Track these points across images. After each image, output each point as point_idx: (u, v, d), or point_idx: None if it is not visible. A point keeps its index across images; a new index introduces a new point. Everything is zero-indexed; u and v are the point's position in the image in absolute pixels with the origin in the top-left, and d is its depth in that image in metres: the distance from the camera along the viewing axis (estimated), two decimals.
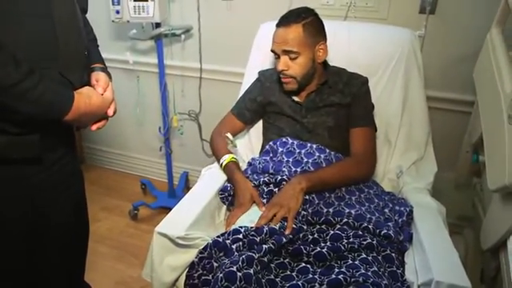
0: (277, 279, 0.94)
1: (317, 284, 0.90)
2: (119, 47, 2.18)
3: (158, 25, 1.88)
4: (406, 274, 1.00)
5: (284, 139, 1.31)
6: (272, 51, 1.32)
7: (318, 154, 1.25)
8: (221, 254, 0.97)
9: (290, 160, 1.25)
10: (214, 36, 2.00)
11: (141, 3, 1.77)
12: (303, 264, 0.99)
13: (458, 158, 1.55)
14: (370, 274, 0.91)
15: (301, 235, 1.06)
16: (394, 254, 1.02)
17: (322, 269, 0.98)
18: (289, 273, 0.97)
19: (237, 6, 1.90)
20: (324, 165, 1.24)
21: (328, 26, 1.34)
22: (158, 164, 2.46)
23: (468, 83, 1.49)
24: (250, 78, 1.52)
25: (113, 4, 1.78)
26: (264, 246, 0.95)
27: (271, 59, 1.48)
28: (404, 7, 1.65)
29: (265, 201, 1.16)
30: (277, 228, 1.03)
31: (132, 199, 2.20)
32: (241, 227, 1.03)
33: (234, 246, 0.96)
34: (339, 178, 1.20)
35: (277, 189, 1.18)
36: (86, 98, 0.87)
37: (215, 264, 0.95)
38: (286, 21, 1.27)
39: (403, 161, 1.39)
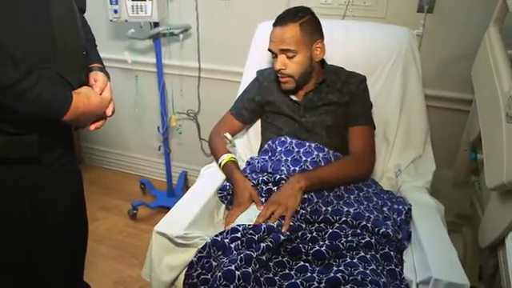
0: (275, 278, 0.94)
1: (315, 282, 0.90)
2: (117, 47, 2.18)
3: (156, 24, 1.87)
4: (405, 272, 1.00)
5: (283, 138, 1.31)
6: (269, 50, 1.32)
7: (316, 152, 1.25)
8: (219, 253, 0.97)
9: (289, 159, 1.25)
10: (213, 35, 2.00)
11: (139, 2, 1.77)
12: (302, 262, 1.00)
13: (456, 156, 1.56)
14: (368, 272, 0.91)
15: (299, 234, 1.06)
16: (392, 253, 1.02)
17: (321, 267, 0.98)
18: (287, 271, 0.97)
19: (235, 6, 1.90)
20: (323, 163, 1.24)
21: (326, 24, 1.34)
22: (157, 163, 2.46)
23: (466, 82, 1.49)
24: (248, 78, 1.52)
25: (111, 3, 1.78)
26: (262, 244, 0.95)
27: (269, 58, 1.48)
28: (402, 6, 1.65)
29: (263, 200, 1.16)
30: (274, 226, 1.03)
31: (131, 199, 2.20)
32: (238, 225, 1.03)
33: (232, 245, 0.96)
34: (338, 176, 1.20)
35: (275, 188, 1.18)
36: (84, 98, 0.87)
37: (214, 263, 0.95)
38: (282, 20, 1.27)
39: (402, 159, 1.39)
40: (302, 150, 1.27)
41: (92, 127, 0.95)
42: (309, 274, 0.95)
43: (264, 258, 0.94)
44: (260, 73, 1.46)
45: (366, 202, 1.17)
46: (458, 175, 1.56)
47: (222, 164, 1.30)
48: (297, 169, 1.22)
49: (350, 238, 1.02)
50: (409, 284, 0.96)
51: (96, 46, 1.09)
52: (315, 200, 1.14)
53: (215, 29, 1.98)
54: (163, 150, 2.17)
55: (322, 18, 1.34)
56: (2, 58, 0.72)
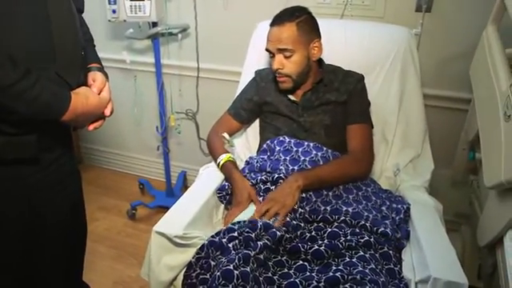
0: (274, 277, 0.94)
1: (314, 282, 0.90)
2: (116, 47, 2.17)
3: (154, 24, 1.87)
4: (404, 271, 1.00)
5: (281, 138, 1.31)
6: (267, 50, 1.32)
7: (315, 152, 1.26)
8: (218, 253, 0.97)
9: (288, 158, 1.25)
10: (211, 35, 2.00)
11: (137, 2, 1.77)
12: (301, 262, 1.00)
13: (454, 155, 1.56)
14: (367, 271, 0.91)
15: (298, 233, 1.06)
16: (391, 252, 1.02)
17: (320, 266, 0.98)
18: (286, 270, 0.97)
19: (233, 5, 1.90)
20: (321, 163, 1.24)
21: (324, 24, 1.34)
22: (156, 163, 2.46)
23: (464, 81, 1.49)
24: (247, 77, 1.53)
25: (109, 3, 1.78)
26: (259, 242, 0.95)
27: (268, 58, 1.48)
28: (400, 5, 1.65)
29: (262, 199, 1.17)
30: (271, 222, 1.03)
31: (130, 199, 2.19)
32: (234, 224, 1.03)
33: (230, 245, 0.96)
34: (337, 175, 1.20)
35: (274, 187, 1.18)
36: (83, 98, 0.87)
37: (212, 263, 0.96)
38: (279, 20, 1.27)
39: (400, 159, 1.39)
40: (300, 150, 1.27)
41: (91, 127, 0.95)
42: (308, 274, 0.95)
43: (262, 256, 0.94)
44: (258, 73, 1.47)
45: (364, 202, 1.17)
46: (457, 174, 1.56)
47: (221, 164, 1.30)
48: (295, 168, 1.22)
49: (349, 238, 1.02)
50: (408, 283, 0.97)
51: (94, 46, 1.09)
52: (314, 199, 1.15)
53: (214, 28, 1.98)
54: (162, 150, 2.17)
55: (320, 17, 1.35)
56: (1, 58, 0.72)
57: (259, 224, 1.01)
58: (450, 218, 1.45)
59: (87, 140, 2.63)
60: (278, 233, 0.99)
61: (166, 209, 1.16)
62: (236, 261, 0.88)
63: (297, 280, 0.92)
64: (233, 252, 0.93)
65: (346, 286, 0.88)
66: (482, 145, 1.13)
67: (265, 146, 1.35)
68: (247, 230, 1.00)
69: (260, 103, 1.42)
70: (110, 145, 2.57)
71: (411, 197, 1.22)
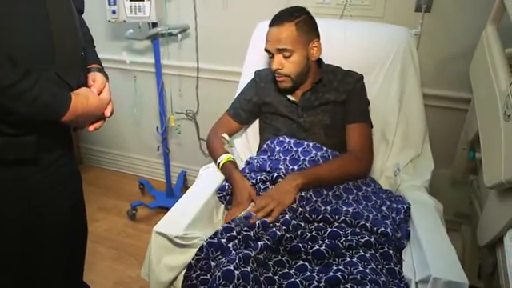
0: (275, 277, 0.94)
1: (315, 281, 0.90)
2: (116, 47, 2.18)
3: (154, 24, 1.87)
4: (404, 271, 1.00)
5: (281, 138, 1.31)
6: (266, 51, 1.32)
7: (314, 151, 1.26)
8: (218, 254, 0.97)
9: (287, 158, 1.25)
10: (211, 35, 2.00)
11: (137, 3, 1.77)
12: (301, 262, 1.00)
13: (454, 155, 1.56)
14: (367, 271, 0.91)
15: (299, 232, 1.06)
16: (391, 252, 1.02)
17: (320, 266, 0.98)
18: (287, 270, 0.97)
19: (233, 5, 1.90)
20: (321, 162, 1.24)
21: (324, 24, 1.34)
22: (156, 164, 2.46)
23: (464, 81, 1.49)
24: (246, 78, 1.53)
25: (109, 4, 1.78)
26: (260, 242, 0.95)
27: (268, 58, 1.48)
28: (400, 5, 1.66)
29: None
30: (268, 221, 1.03)
31: (130, 199, 2.19)
32: (229, 223, 1.04)
33: (230, 245, 0.96)
34: (337, 174, 1.20)
35: (273, 186, 1.18)
36: (83, 99, 0.87)
37: (213, 263, 0.96)
38: (278, 20, 1.27)
39: (400, 158, 1.39)
40: (300, 150, 1.27)
41: (91, 128, 0.95)
42: (308, 273, 0.95)
43: (262, 256, 0.94)
44: (257, 73, 1.47)
45: (364, 202, 1.17)
46: (457, 174, 1.56)
47: (221, 164, 1.30)
48: (295, 168, 1.22)
49: (349, 238, 1.02)
50: (408, 283, 0.97)
51: (94, 46, 1.09)
52: (314, 199, 1.15)
53: (213, 29, 1.98)
54: (162, 150, 2.17)
55: (320, 17, 1.35)
56: (1, 59, 0.72)
57: (257, 222, 1.01)
58: (450, 217, 1.45)
59: (87, 140, 2.63)
60: (278, 232, 0.99)
61: (166, 209, 1.16)
62: (236, 261, 0.88)
63: (297, 280, 0.92)
64: (233, 252, 0.93)
65: (347, 285, 0.88)
66: (482, 144, 1.13)
67: (265, 146, 1.35)
68: (245, 228, 1.00)
69: (259, 104, 1.42)
70: (110, 145, 2.57)
71: (411, 197, 1.22)
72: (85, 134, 2.59)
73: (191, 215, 1.10)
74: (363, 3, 1.69)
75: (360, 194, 1.20)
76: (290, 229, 1.04)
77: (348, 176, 1.23)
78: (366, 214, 1.10)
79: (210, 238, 1.02)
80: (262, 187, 1.20)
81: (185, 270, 1.02)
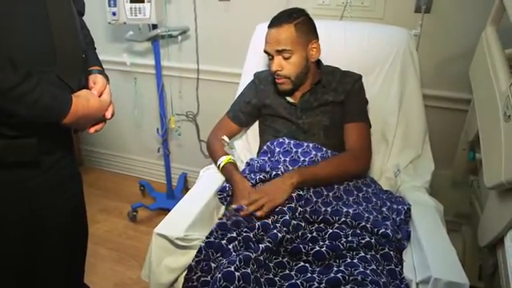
0: (276, 278, 0.94)
1: (316, 283, 0.90)
2: (116, 49, 2.18)
3: (154, 26, 1.88)
4: (405, 271, 1.00)
5: (281, 139, 1.32)
6: (265, 52, 1.32)
7: (314, 152, 1.26)
8: (218, 255, 0.97)
9: (287, 159, 1.25)
10: (211, 37, 2.00)
11: (137, 5, 1.77)
12: (302, 263, 1.00)
13: (454, 155, 1.56)
14: (368, 272, 0.91)
15: (299, 233, 1.06)
16: (392, 252, 1.02)
17: (321, 267, 0.98)
18: (288, 272, 0.98)
19: (233, 7, 1.90)
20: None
21: (324, 25, 1.34)
22: (157, 165, 2.46)
23: (464, 81, 1.49)
24: (247, 79, 1.53)
25: (109, 6, 1.79)
26: (261, 245, 0.95)
27: (268, 60, 1.48)
28: (399, 6, 1.66)
29: None
30: (269, 222, 1.03)
31: (131, 201, 2.20)
32: (221, 219, 1.05)
33: (230, 246, 0.96)
34: (335, 173, 1.20)
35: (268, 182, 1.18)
36: (83, 101, 0.87)
37: (213, 265, 0.96)
38: (277, 21, 1.27)
39: (400, 159, 1.40)
40: (300, 151, 1.27)
41: (92, 130, 0.96)
42: (309, 275, 0.95)
43: (262, 258, 0.94)
44: (257, 75, 1.47)
45: (364, 203, 1.17)
46: (457, 174, 1.56)
47: (221, 166, 1.30)
48: (295, 169, 1.22)
49: (350, 239, 1.02)
50: (409, 284, 0.97)
51: (95, 48, 1.09)
52: (314, 200, 1.15)
53: (213, 30, 1.98)
54: (162, 152, 2.17)
55: (320, 18, 1.35)
56: (2, 62, 0.72)
57: (257, 224, 1.01)
58: (450, 218, 1.45)
59: (88, 142, 2.64)
60: (279, 234, 0.99)
61: (166, 211, 1.17)
62: (237, 262, 0.88)
63: (298, 281, 0.92)
64: (233, 254, 0.94)
65: (347, 287, 0.88)
66: (482, 145, 1.14)
67: (265, 147, 1.35)
68: (245, 230, 1.01)
69: (259, 106, 1.42)
70: (111, 147, 2.58)
71: (412, 197, 1.22)
72: (85, 135, 2.59)
73: (192, 217, 1.10)
74: (363, 4, 1.70)
75: (360, 195, 1.21)
76: (290, 229, 1.03)
77: (346, 175, 1.22)
78: (367, 215, 1.10)
79: (207, 237, 1.02)
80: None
81: (185, 272, 1.02)
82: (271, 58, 1.31)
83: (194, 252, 1.02)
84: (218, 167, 1.32)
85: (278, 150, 1.30)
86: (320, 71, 1.37)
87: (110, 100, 0.98)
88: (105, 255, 1.86)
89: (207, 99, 2.15)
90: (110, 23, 1.83)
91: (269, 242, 0.97)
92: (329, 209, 1.12)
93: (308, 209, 1.12)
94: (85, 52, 0.97)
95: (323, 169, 1.19)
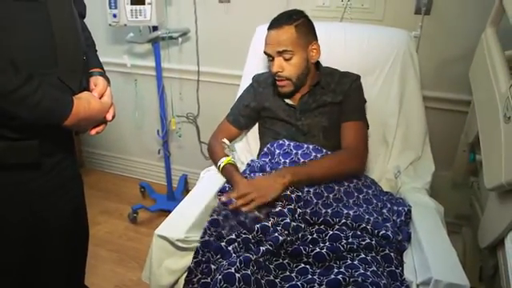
0: (276, 280, 0.94)
1: (316, 284, 0.90)
2: (116, 51, 2.18)
3: (155, 28, 1.88)
4: (405, 273, 1.00)
5: (281, 141, 1.32)
6: (265, 53, 1.32)
7: (314, 154, 1.26)
8: (218, 257, 0.97)
9: (287, 161, 1.25)
10: (212, 39, 2.01)
11: (138, 7, 1.78)
12: (302, 265, 1.00)
13: (455, 157, 1.56)
14: (369, 273, 0.91)
15: (300, 235, 1.06)
16: (392, 254, 1.02)
17: (322, 269, 0.98)
18: (288, 273, 0.98)
19: (234, 9, 1.91)
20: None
21: (324, 27, 1.35)
22: (157, 167, 2.47)
23: (464, 83, 1.50)
24: (247, 81, 1.53)
25: (110, 8, 1.79)
26: (262, 247, 0.95)
27: (268, 62, 1.49)
28: (399, 8, 1.66)
29: None
30: (269, 225, 1.03)
31: (131, 202, 2.20)
32: (212, 215, 1.06)
33: (230, 248, 0.96)
34: (330, 172, 1.19)
35: (262, 174, 1.19)
36: (85, 103, 0.87)
37: (213, 267, 0.96)
38: (277, 23, 1.28)
39: (401, 161, 1.40)
40: (300, 152, 1.27)
41: (93, 132, 0.96)
42: (309, 276, 0.95)
43: (261, 259, 0.94)
44: (255, 78, 1.47)
45: (365, 205, 1.17)
46: (457, 176, 1.56)
47: (221, 167, 1.31)
48: (291, 167, 1.22)
49: (350, 240, 1.02)
50: (409, 285, 0.97)
51: (96, 50, 1.09)
52: (315, 201, 1.15)
53: (214, 32, 1.99)
54: (163, 154, 2.17)
55: (320, 20, 1.35)
56: (3, 64, 0.72)
57: (256, 226, 1.01)
58: (450, 219, 1.45)
59: (88, 144, 2.64)
60: (280, 238, 0.99)
61: (167, 212, 1.17)
62: (237, 264, 0.88)
63: (298, 283, 0.92)
64: (234, 255, 0.94)
65: None
66: (482, 147, 1.14)
67: (265, 149, 1.35)
68: (244, 231, 1.01)
69: (258, 109, 1.43)
70: (111, 149, 2.58)
71: (412, 199, 1.22)
72: (86, 137, 2.59)
73: (192, 218, 1.10)
74: (363, 6, 1.70)
75: (361, 196, 1.20)
76: (290, 231, 1.04)
77: (341, 174, 1.22)
78: (367, 216, 1.10)
79: (201, 237, 1.02)
80: None
81: (186, 274, 1.02)
82: (271, 59, 1.31)
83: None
84: (218, 168, 1.32)
85: (278, 151, 1.30)
86: (319, 73, 1.38)
87: (111, 102, 0.99)
88: (105, 257, 1.86)
89: (207, 101, 2.15)
90: (110, 25, 1.83)
91: (270, 245, 0.97)
92: (329, 210, 1.12)
93: (308, 210, 1.12)
94: (86, 54, 0.98)
95: (318, 168, 1.19)
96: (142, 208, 2.13)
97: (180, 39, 1.99)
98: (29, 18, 0.80)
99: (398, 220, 1.12)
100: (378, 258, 1.00)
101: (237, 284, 0.85)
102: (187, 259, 1.03)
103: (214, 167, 1.37)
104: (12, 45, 0.76)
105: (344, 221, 1.08)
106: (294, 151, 1.28)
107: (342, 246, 1.01)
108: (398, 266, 1.01)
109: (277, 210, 1.08)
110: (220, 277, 0.87)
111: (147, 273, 1.06)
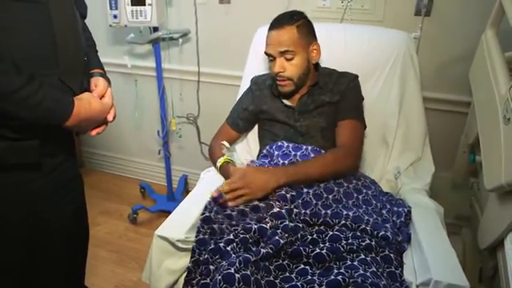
0: (276, 281, 0.94)
1: (316, 285, 0.90)
2: (117, 51, 2.19)
3: (155, 29, 1.89)
4: (405, 274, 1.00)
5: (279, 143, 1.32)
6: (266, 54, 1.33)
7: (313, 155, 1.26)
8: (217, 257, 0.97)
9: (286, 162, 1.25)
10: (212, 39, 2.01)
11: (138, 7, 1.78)
12: (302, 265, 1.00)
13: (455, 158, 1.56)
14: (368, 274, 0.91)
15: (299, 235, 1.06)
16: (392, 255, 1.02)
17: (321, 270, 0.98)
18: (288, 274, 0.97)
19: (234, 10, 1.91)
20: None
21: (324, 28, 1.35)
22: (157, 167, 2.47)
23: (464, 84, 1.50)
24: (247, 83, 1.53)
25: (110, 8, 1.79)
26: (262, 250, 0.95)
27: (268, 63, 1.49)
28: (400, 9, 1.66)
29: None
30: (267, 227, 1.03)
31: (131, 203, 2.20)
32: (203, 213, 1.07)
33: (229, 248, 0.96)
34: (325, 171, 1.19)
35: (256, 166, 1.20)
36: (85, 104, 0.87)
37: (212, 267, 0.96)
38: (278, 23, 1.29)
39: (401, 162, 1.40)
40: (298, 154, 1.27)
41: (93, 132, 0.96)
42: (309, 277, 0.95)
43: (260, 260, 0.94)
44: (254, 81, 1.48)
45: (364, 206, 1.17)
46: (457, 177, 1.56)
47: (219, 166, 1.32)
48: (286, 167, 1.22)
49: (350, 241, 1.02)
50: (409, 286, 0.96)
51: (97, 51, 1.09)
52: (314, 202, 1.15)
53: (214, 33, 1.99)
54: (163, 154, 2.17)
55: (320, 21, 1.36)
56: (5, 65, 0.72)
57: (254, 227, 1.01)
58: (450, 220, 1.45)
59: (89, 144, 2.64)
60: (281, 241, 0.99)
61: (167, 213, 1.17)
62: (237, 264, 0.88)
63: (298, 283, 0.92)
64: (233, 255, 0.94)
65: None
66: (482, 148, 1.14)
67: (264, 151, 1.35)
68: (242, 231, 1.01)
69: (256, 112, 1.43)
70: (112, 149, 2.58)
71: (412, 200, 1.22)
72: (86, 137, 2.59)
73: (192, 219, 1.10)
74: (363, 7, 1.70)
75: (360, 197, 1.20)
76: (289, 232, 1.04)
77: (336, 172, 1.22)
78: (367, 217, 1.10)
79: (196, 236, 1.03)
80: None
81: (185, 274, 1.02)
82: (272, 59, 1.32)
83: None
84: (217, 168, 1.33)
85: (276, 153, 1.30)
86: (318, 73, 1.38)
87: (112, 103, 0.99)
88: (105, 257, 1.86)
89: (208, 101, 2.15)
90: (111, 26, 1.83)
91: (271, 248, 0.96)
92: (329, 211, 1.12)
93: (308, 211, 1.12)
94: (87, 55, 0.98)
95: (314, 168, 1.19)
96: (142, 208, 2.13)
97: (180, 40, 2.00)
98: (30, 18, 0.80)
99: (398, 221, 1.12)
100: (378, 258, 1.00)
101: (236, 284, 0.85)
102: (187, 259, 1.03)
103: (214, 168, 1.37)
104: (13, 45, 0.77)
105: (344, 222, 1.08)
106: (293, 152, 1.28)
107: (342, 246, 1.01)
108: (397, 267, 1.00)
109: (275, 211, 1.08)
110: (219, 277, 0.87)
111: (147, 273, 1.06)
